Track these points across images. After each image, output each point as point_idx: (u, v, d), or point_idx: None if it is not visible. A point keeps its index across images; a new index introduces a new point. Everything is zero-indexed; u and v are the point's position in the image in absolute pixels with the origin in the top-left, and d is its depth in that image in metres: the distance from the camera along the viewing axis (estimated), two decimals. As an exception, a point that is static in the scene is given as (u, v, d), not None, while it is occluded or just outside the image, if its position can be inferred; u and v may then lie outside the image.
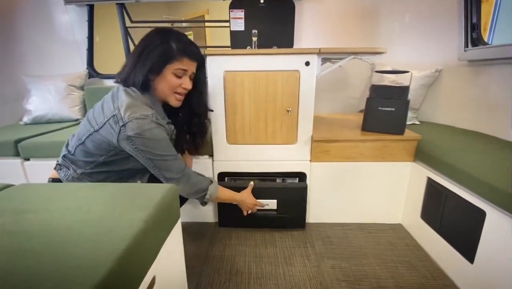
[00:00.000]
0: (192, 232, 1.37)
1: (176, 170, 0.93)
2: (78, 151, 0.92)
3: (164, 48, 0.87)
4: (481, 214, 0.92)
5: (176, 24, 3.93)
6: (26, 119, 1.82)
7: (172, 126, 1.02)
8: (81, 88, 1.95)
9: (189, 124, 1.06)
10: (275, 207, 1.33)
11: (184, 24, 3.95)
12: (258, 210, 1.31)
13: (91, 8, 1.98)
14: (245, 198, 1.24)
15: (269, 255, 1.19)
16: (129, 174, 1.00)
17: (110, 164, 0.92)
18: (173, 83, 0.90)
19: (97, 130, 0.87)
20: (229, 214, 1.35)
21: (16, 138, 1.42)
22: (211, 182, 1.05)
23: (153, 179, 0.99)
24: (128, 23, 2.12)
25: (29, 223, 0.60)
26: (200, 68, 0.98)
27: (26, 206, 0.67)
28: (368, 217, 1.42)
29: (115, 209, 0.64)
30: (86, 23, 1.99)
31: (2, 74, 1.91)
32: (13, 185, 0.83)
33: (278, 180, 1.43)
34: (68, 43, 2.00)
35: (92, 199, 0.70)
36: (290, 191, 1.33)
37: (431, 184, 1.19)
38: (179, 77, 0.91)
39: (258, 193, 1.29)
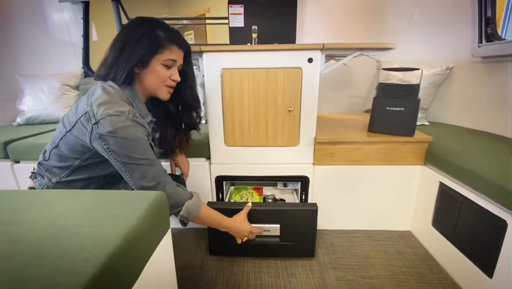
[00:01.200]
0: (187, 239, 1.30)
1: (151, 177, 0.79)
2: (53, 156, 0.84)
3: (151, 37, 0.79)
4: (502, 224, 0.83)
5: (176, 22, 3.87)
6: (19, 120, 1.76)
7: (152, 126, 0.92)
8: (77, 88, 1.88)
9: (182, 118, 1.00)
10: (278, 233, 1.11)
11: (184, 22, 3.89)
12: (259, 235, 1.11)
13: (86, 6, 1.92)
14: (238, 225, 1.03)
15: (269, 265, 1.11)
16: (110, 182, 0.90)
17: (86, 169, 0.84)
18: (163, 75, 0.83)
19: (69, 130, 0.79)
20: (221, 240, 1.13)
21: (5, 140, 1.36)
22: (191, 196, 0.89)
23: None
24: (124, 21, 2.06)
25: (-6, 238, 0.53)
26: (187, 60, 0.91)
27: (-5, 217, 0.60)
28: (375, 224, 1.34)
29: (92, 222, 0.57)
30: (81, 20, 1.93)
31: (-6, 73, 1.86)
32: (-10, 192, 0.77)
33: (280, 185, 1.35)
34: (63, 41, 1.95)
35: (68, 209, 0.63)
36: (296, 214, 1.10)
37: (443, 189, 1.11)
38: (168, 68, 0.84)
39: (257, 216, 1.09)
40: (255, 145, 1.25)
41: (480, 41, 1.35)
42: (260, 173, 1.30)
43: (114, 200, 0.67)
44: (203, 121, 1.66)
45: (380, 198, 1.29)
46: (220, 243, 1.15)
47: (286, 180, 1.33)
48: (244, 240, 1.06)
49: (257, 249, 1.15)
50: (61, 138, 0.82)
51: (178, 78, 0.87)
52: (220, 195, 1.35)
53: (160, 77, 0.83)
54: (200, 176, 1.31)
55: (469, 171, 0.95)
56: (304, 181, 1.30)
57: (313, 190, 1.30)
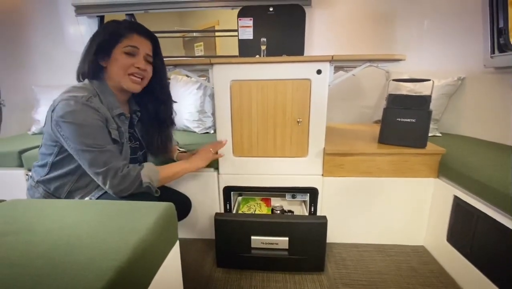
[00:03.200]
0: (194, 250, 1.29)
1: (101, 162, 0.78)
2: (39, 156, 0.90)
3: (111, 29, 0.84)
4: (523, 242, 0.79)
5: (187, 35, 3.98)
6: (34, 129, 1.81)
7: (125, 120, 0.92)
8: (90, 98, 1.94)
9: (158, 114, 1.00)
10: (286, 246, 1.09)
11: (194, 34, 3.99)
12: (266, 248, 1.09)
13: (101, 19, 2.00)
14: (196, 160, 1.02)
15: (277, 279, 1.09)
16: (86, 181, 0.88)
17: (59, 165, 0.86)
18: (124, 62, 0.84)
19: (44, 126, 0.85)
20: (229, 253, 1.13)
21: (20, 148, 1.40)
22: (142, 167, 0.87)
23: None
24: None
25: (7, 247, 0.54)
26: (156, 52, 0.92)
27: (8, 227, 0.61)
28: (386, 238, 1.30)
29: (103, 233, 0.57)
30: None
31: (13, 84, 1.93)
32: (4, 200, 0.78)
33: (288, 196, 1.34)
34: (78, 53, 2.01)
35: (80, 219, 0.64)
36: (305, 227, 1.07)
37: (458, 203, 1.07)
38: (131, 56, 0.85)
39: (266, 229, 1.09)
40: (263, 156, 1.25)
41: (493, 52, 1.33)
42: (268, 183, 1.29)
43: (124, 211, 0.68)
44: (211, 131, 1.68)
45: (392, 211, 1.26)
46: (228, 256, 1.14)
47: (294, 191, 1.31)
48: (214, 154, 1.11)
49: (265, 262, 1.12)
50: (43, 138, 0.87)
51: (143, 66, 0.86)
52: (227, 205, 1.34)
53: (121, 64, 0.84)
54: (208, 186, 1.30)
55: (486, 184, 0.92)
56: (313, 193, 1.28)
57: (322, 201, 1.28)
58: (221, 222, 1.11)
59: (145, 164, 0.89)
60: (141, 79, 0.89)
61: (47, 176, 0.87)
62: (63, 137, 0.78)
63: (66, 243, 0.54)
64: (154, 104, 0.99)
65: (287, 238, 1.08)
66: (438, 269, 1.14)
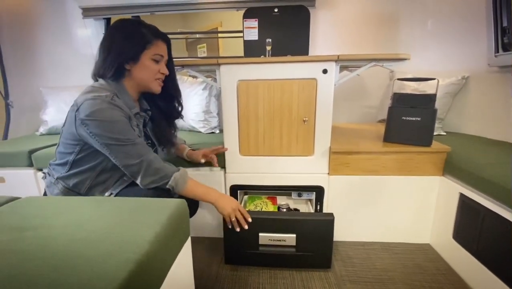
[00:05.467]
0: (202, 248, 1.30)
1: (135, 154, 0.83)
2: (57, 155, 0.92)
3: (138, 35, 0.86)
4: (530, 238, 0.80)
5: (190, 36, 4.00)
6: (42, 130, 1.84)
7: (141, 119, 0.97)
8: (96, 99, 1.96)
9: (170, 110, 1.05)
10: (294, 243, 1.10)
11: (197, 36, 4.02)
12: (274, 245, 1.10)
13: (108, 21, 2.02)
14: (225, 197, 0.98)
15: (284, 276, 1.10)
16: (106, 177, 0.92)
17: (80, 162, 0.89)
18: (153, 68, 0.89)
19: (63, 125, 0.87)
20: (237, 250, 1.14)
21: (30, 148, 1.42)
22: (179, 169, 0.92)
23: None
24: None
25: (27, 242, 0.55)
26: (169, 53, 0.97)
27: (26, 222, 0.63)
28: (392, 236, 1.31)
29: (119, 228, 0.59)
30: (103, 36, 2.03)
31: (21, 85, 1.96)
32: (19, 198, 0.80)
33: (294, 194, 1.35)
34: (85, 55, 2.04)
35: (95, 215, 0.66)
36: (313, 224, 1.08)
37: (464, 200, 1.08)
38: (157, 63, 0.90)
39: (273, 226, 1.09)
40: (269, 154, 1.26)
41: (497, 51, 1.34)
42: (274, 182, 1.30)
43: (138, 207, 0.69)
44: (217, 130, 1.70)
45: (398, 209, 1.26)
46: (236, 252, 1.15)
47: (300, 189, 1.32)
48: (232, 220, 0.99)
49: (273, 259, 1.14)
50: (60, 137, 0.89)
51: (166, 72, 0.93)
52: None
53: (151, 71, 0.89)
54: (214, 185, 1.31)
55: (492, 181, 0.93)
56: (319, 191, 1.29)
57: (328, 200, 1.29)
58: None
59: (182, 169, 0.94)
60: (162, 81, 0.95)
61: (68, 173, 0.89)
62: (91, 135, 0.80)
63: (84, 237, 0.56)
64: (166, 102, 1.03)
65: (294, 235, 1.09)
66: (444, 267, 1.14)
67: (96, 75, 0.89)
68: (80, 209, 0.69)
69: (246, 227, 1.01)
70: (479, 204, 0.99)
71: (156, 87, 0.93)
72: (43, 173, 0.97)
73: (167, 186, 0.88)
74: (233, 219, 0.99)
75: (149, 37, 0.87)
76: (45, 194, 0.95)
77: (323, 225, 1.08)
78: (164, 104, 1.04)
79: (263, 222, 1.09)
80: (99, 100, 0.78)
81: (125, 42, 0.85)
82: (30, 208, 0.71)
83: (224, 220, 1.03)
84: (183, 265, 0.71)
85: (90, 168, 0.89)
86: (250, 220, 1.02)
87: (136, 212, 0.67)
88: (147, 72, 0.89)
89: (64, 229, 0.59)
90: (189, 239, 0.75)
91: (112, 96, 0.82)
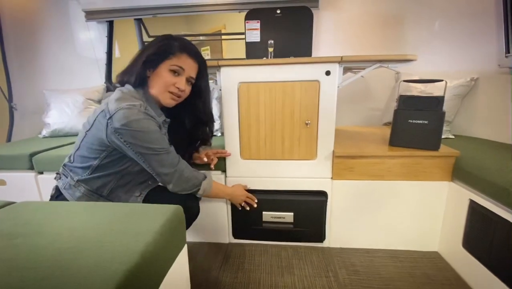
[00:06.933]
0: (201, 254, 1.27)
1: (169, 164, 0.86)
2: (76, 158, 0.90)
3: (164, 44, 0.87)
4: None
5: (193, 39, 4.01)
6: (44, 132, 1.84)
7: (166, 127, 0.98)
8: (99, 102, 1.96)
9: (195, 132, 1.05)
10: (291, 220, 1.26)
11: (201, 38, 4.02)
12: (274, 222, 1.27)
13: (110, 25, 2.03)
14: (235, 190, 1.19)
15: (286, 285, 1.06)
16: (128, 179, 0.93)
17: (104, 167, 0.87)
18: (167, 79, 0.87)
19: (89, 129, 0.86)
20: (244, 226, 1.31)
21: (31, 151, 1.42)
22: (205, 177, 0.99)
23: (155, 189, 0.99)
24: (145, 38, 2.15)
25: (15, 250, 0.53)
26: (201, 74, 0.95)
27: (18, 229, 0.61)
28: (398, 243, 1.26)
29: (110, 236, 0.56)
30: (106, 39, 2.04)
31: (24, 88, 1.98)
32: (14, 203, 0.79)
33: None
34: (88, 58, 2.05)
35: (88, 222, 0.63)
36: (308, 204, 1.24)
37: (474, 207, 1.03)
38: (175, 75, 0.88)
39: (273, 205, 1.25)
40: (271, 158, 1.23)
41: (508, 51, 1.30)
42: (276, 186, 1.27)
43: (133, 214, 0.67)
44: (218, 134, 1.68)
45: (404, 215, 1.22)
46: (243, 228, 1.31)
47: (303, 194, 1.29)
48: (243, 205, 1.21)
49: (274, 233, 1.30)
50: (82, 140, 0.87)
51: (183, 87, 0.89)
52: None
53: (164, 81, 0.87)
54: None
55: (504, 188, 0.88)
56: (322, 196, 1.25)
57: (331, 205, 1.25)
58: None
59: (208, 176, 1.00)
60: (178, 97, 0.92)
61: (90, 176, 0.88)
62: (125, 144, 0.79)
63: (74, 246, 0.53)
64: (192, 122, 1.03)
65: (292, 213, 1.25)
66: (454, 276, 1.09)
67: (122, 81, 0.89)
68: (73, 216, 0.67)
69: (255, 206, 1.23)
70: (490, 211, 0.95)
71: (166, 100, 0.90)
72: (57, 174, 0.95)
73: (197, 195, 0.96)
74: (244, 204, 1.21)
75: (174, 48, 0.86)
76: (58, 196, 0.92)
77: (316, 204, 1.23)
78: (190, 124, 1.03)
79: (266, 202, 1.25)
80: (135, 110, 0.78)
81: (150, 49, 0.86)
82: (24, 213, 0.70)
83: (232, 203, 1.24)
84: (178, 274, 0.68)
85: (114, 172, 0.89)
86: (255, 205, 1.23)
87: (130, 219, 0.65)
88: (160, 81, 0.87)
89: (55, 236, 0.57)
90: (185, 247, 0.72)
91: (146, 106, 0.83)
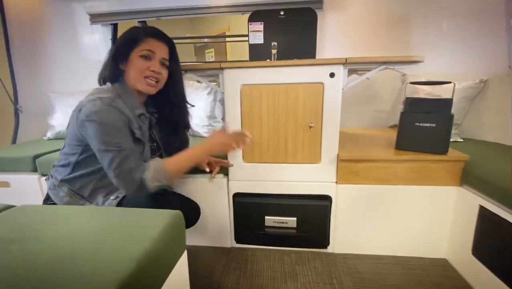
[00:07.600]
0: (202, 259, 1.26)
1: (116, 162, 0.77)
2: (61, 156, 0.91)
3: (129, 33, 0.88)
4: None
5: (198, 41, 4.02)
6: (49, 134, 1.85)
7: (146, 120, 0.95)
8: (103, 104, 1.97)
9: (172, 117, 1.02)
10: (294, 225, 1.24)
11: (205, 40, 4.03)
12: (276, 227, 1.24)
13: (115, 27, 2.04)
14: (210, 140, 0.91)
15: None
16: (108, 181, 0.87)
17: (82, 164, 0.87)
18: (139, 65, 0.86)
19: (67, 127, 0.88)
20: (246, 230, 1.29)
21: (35, 153, 1.43)
22: (146, 170, 0.81)
23: None
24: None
25: (11, 255, 0.52)
26: (172, 56, 0.94)
27: (15, 234, 0.60)
28: (405, 250, 1.22)
29: (107, 243, 0.55)
30: (110, 41, 2.05)
31: (29, 90, 1.99)
32: (14, 206, 0.78)
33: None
34: (93, 61, 2.06)
35: (86, 228, 0.62)
36: (311, 209, 1.21)
37: (484, 213, 0.99)
38: (148, 60, 0.87)
39: (276, 210, 1.23)
40: (274, 162, 1.21)
41: (519, 52, 1.26)
42: (279, 190, 1.25)
43: (131, 219, 0.66)
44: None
45: (411, 221, 1.19)
46: (245, 233, 1.29)
47: (307, 198, 1.26)
48: (236, 147, 0.92)
49: (277, 238, 1.26)
50: (66, 138, 0.89)
51: (157, 69, 0.88)
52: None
53: (137, 67, 0.87)
54: (217, 192, 1.28)
55: (516, 194, 0.85)
56: (326, 201, 1.22)
57: (336, 210, 1.22)
58: (239, 203, 1.26)
59: (151, 164, 0.82)
60: (156, 82, 0.91)
61: (71, 175, 0.89)
62: (88, 137, 0.80)
63: (70, 253, 0.52)
64: (168, 107, 1.01)
65: (295, 218, 1.23)
66: (463, 285, 1.06)
67: (100, 80, 0.92)
68: (71, 221, 0.66)
69: (248, 140, 0.93)
70: (501, 217, 0.91)
71: (144, 86, 0.87)
72: (47, 175, 0.97)
73: (153, 188, 0.80)
74: (235, 146, 0.92)
75: (140, 35, 0.87)
76: (47, 197, 0.93)
77: (319, 209, 1.20)
78: (168, 111, 1.01)
79: (269, 207, 1.24)
80: (99, 101, 0.78)
81: (119, 43, 0.88)
82: (22, 218, 0.69)
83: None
84: (177, 281, 0.66)
85: (93, 171, 0.89)
86: (248, 140, 0.93)
87: (128, 225, 0.63)
88: (133, 69, 0.86)
89: (52, 242, 0.56)
90: (185, 253, 0.70)
91: (113, 99, 0.81)
